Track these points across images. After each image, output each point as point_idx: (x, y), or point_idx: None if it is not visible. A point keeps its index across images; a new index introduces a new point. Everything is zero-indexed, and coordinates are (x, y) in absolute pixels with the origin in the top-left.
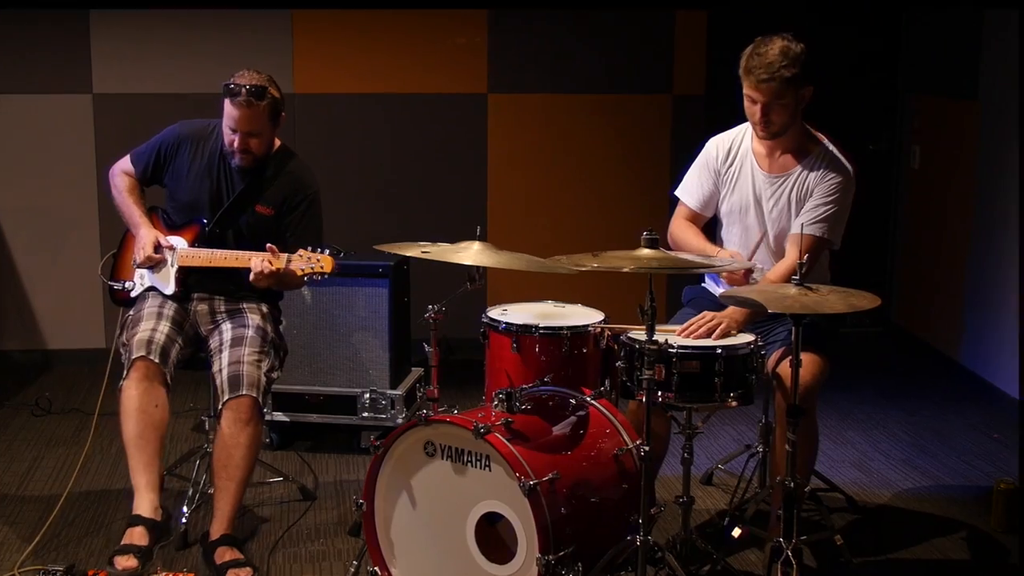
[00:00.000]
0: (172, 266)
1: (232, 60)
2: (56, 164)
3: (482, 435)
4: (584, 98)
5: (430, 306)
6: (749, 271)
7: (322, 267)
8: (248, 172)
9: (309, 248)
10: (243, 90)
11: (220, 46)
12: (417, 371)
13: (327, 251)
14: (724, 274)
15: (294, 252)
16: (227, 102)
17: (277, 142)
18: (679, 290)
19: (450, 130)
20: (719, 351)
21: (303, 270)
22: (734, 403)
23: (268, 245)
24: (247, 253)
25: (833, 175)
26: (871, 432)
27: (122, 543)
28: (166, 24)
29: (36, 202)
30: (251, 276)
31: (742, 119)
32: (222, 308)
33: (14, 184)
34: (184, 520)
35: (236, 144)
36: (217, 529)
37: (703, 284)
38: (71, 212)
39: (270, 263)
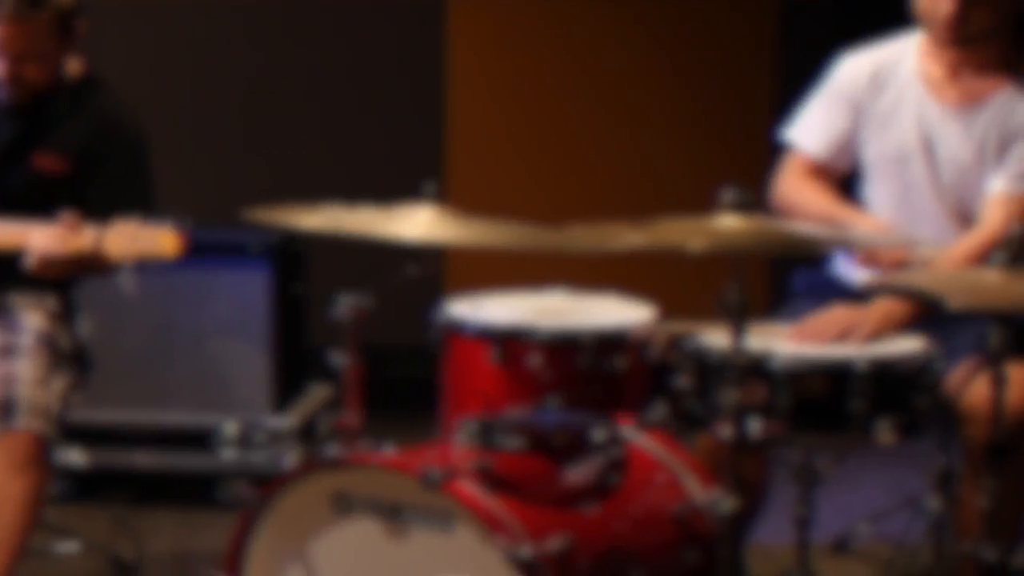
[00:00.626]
0: None
1: None
2: None
3: (436, 483)
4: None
5: (343, 299)
6: (906, 252)
7: (162, 248)
8: (22, 111)
9: (135, 219)
10: None
11: None
12: (320, 392)
13: (168, 223)
14: (863, 257)
15: (107, 224)
16: None
17: (75, 67)
18: (785, 280)
19: (377, 45)
20: (861, 364)
21: (127, 253)
22: (887, 438)
23: (65, 214)
24: (21, 226)
25: None
26: None
27: None
28: None
29: None
30: (31, 260)
31: (885, 31)
32: None
33: None
34: None
35: (2, 73)
36: None
37: (831, 267)
38: None
39: (65, 241)
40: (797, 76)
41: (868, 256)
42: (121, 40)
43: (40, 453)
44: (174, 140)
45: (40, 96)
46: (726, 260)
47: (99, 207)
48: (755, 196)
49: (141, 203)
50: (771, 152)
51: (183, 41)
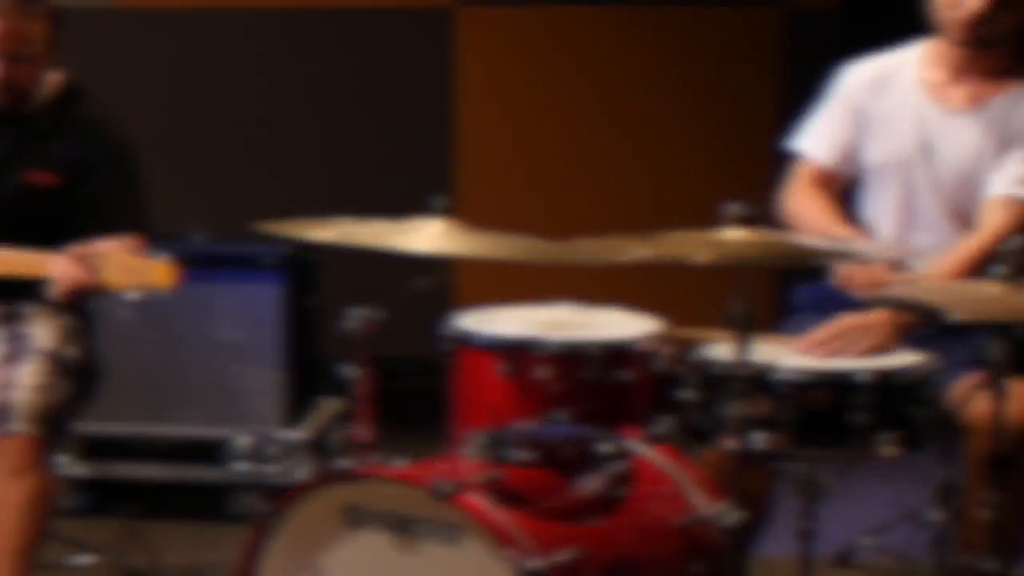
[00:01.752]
0: None
1: None
2: None
3: (446, 496)
4: (627, 9)
5: (354, 312)
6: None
7: (158, 281)
8: (8, 123)
9: (126, 247)
10: None
11: None
12: (331, 405)
13: (166, 254)
14: (845, 275)
15: (101, 251)
16: None
17: (56, 78)
18: (789, 293)
19: (390, 55)
20: (864, 376)
21: (126, 285)
22: (890, 451)
23: (74, 250)
24: (36, 255)
25: None
26: None
27: None
28: None
29: None
30: (56, 290)
31: (887, 41)
32: None
33: None
34: None
35: None
36: None
37: (832, 281)
38: None
39: (77, 272)
40: (801, 87)
41: (846, 278)
42: (133, 50)
43: (37, 457)
44: (186, 152)
45: (26, 108)
46: (732, 274)
47: (91, 218)
48: (761, 208)
49: (134, 212)
50: (776, 163)
51: (195, 52)
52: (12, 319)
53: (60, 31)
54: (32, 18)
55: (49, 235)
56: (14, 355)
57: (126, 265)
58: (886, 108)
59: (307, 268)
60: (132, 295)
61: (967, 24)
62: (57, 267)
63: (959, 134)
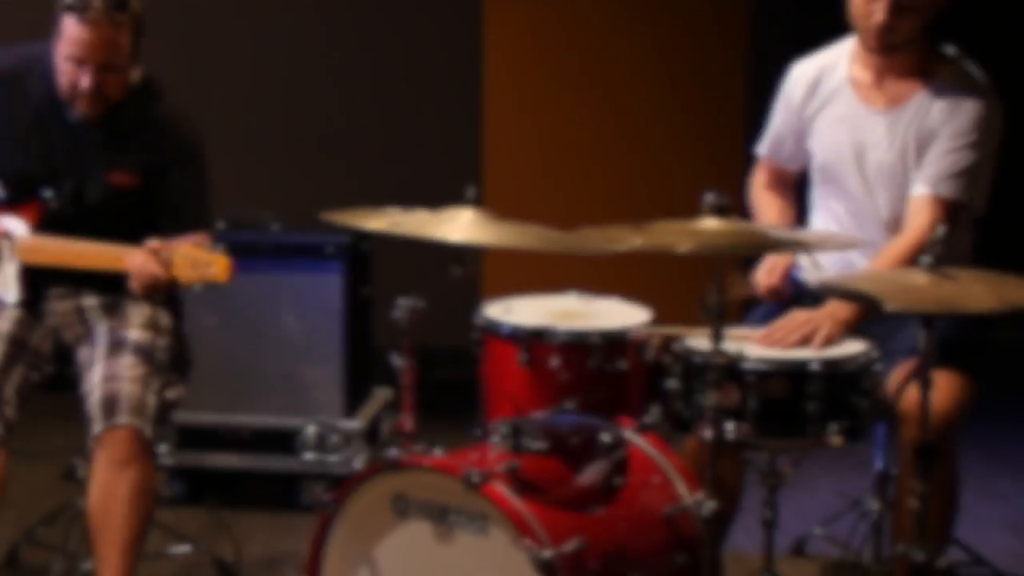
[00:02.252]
0: (10, 261)
1: None
2: None
3: (475, 486)
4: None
5: (401, 301)
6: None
7: (217, 274)
8: (95, 125)
9: (193, 242)
10: None
11: None
12: (383, 394)
13: (221, 245)
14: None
15: (172, 246)
16: (70, 19)
17: (133, 75)
18: None
19: (425, 47)
20: (815, 366)
21: (190, 278)
22: (837, 440)
23: (149, 244)
24: (118, 249)
25: (969, 106)
26: None
27: None
28: None
29: None
30: (133, 285)
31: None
32: (94, 302)
33: None
34: None
35: (86, 84)
36: None
37: (795, 269)
38: None
39: (155, 266)
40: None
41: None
42: (217, 43)
43: (141, 450)
44: (255, 144)
45: (112, 108)
46: (708, 263)
47: (165, 216)
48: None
49: (202, 209)
50: (747, 158)
51: (274, 45)
52: (113, 310)
53: (142, 32)
54: (121, 28)
55: (128, 232)
56: (117, 346)
57: (192, 259)
58: (824, 109)
59: (364, 257)
60: (195, 288)
61: (874, 34)
62: (135, 262)
63: (883, 135)
